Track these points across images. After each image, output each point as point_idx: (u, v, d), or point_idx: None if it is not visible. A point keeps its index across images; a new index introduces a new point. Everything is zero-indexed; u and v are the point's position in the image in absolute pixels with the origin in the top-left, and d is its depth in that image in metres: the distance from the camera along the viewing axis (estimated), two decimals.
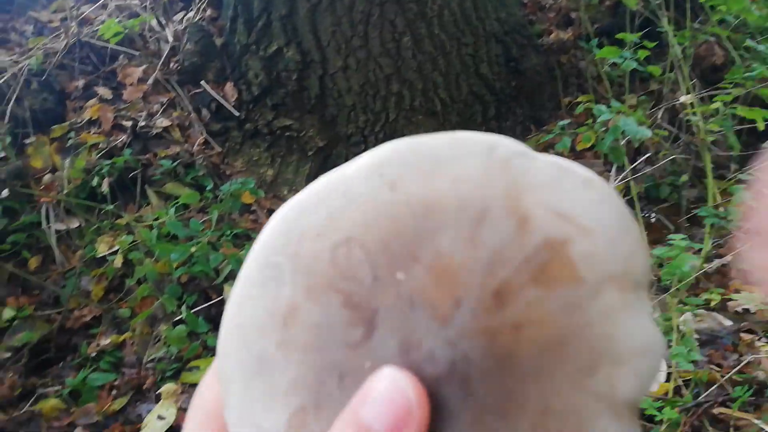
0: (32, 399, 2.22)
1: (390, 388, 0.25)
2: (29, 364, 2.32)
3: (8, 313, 2.39)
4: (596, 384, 0.25)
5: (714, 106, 1.88)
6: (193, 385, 2.12)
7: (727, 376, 1.29)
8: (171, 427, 1.95)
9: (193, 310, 2.27)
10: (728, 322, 1.65)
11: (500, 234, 0.27)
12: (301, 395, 0.28)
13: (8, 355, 2.28)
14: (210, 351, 2.23)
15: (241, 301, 0.30)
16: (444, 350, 0.26)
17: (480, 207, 0.28)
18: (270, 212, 2.88)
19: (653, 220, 2.61)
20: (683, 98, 2.25)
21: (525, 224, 0.27)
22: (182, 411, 2.01)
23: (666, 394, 1.34)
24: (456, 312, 0.26)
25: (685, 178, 2.22)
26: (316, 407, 0.28)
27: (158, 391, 2.09)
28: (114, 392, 2.15)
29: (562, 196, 0.27)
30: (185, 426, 0.36)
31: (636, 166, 2.51)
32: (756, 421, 1.12)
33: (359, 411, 0.26)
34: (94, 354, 2.28)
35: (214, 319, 2.33)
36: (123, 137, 2.71)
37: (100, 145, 2.67)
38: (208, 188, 2.66)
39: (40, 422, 2.12)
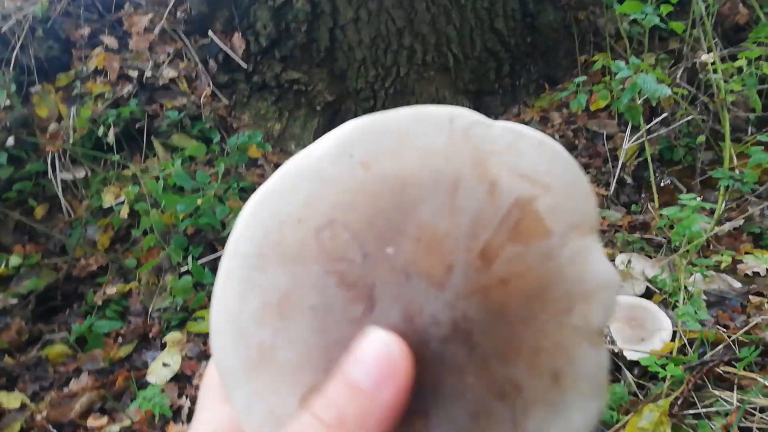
0: (39, 344, 2.24)
1: (376, 347, 0.27)
2: (36, 310, 2.34)
3: (15, 260, 2.40)
4: (574, 319, 0.29)
5: (738, 63, 1.81)
6: (199, 335, 2.14)
7: (734, 337, 1.28)
8: (176, 374, 1.97)
9: (199, 262, 2.28)
10: (737, 284, 1.62)
11: (475, 200, 0.29)
12: (309, 375, 0.29)
13: (15, 301, 2.30)
14: None
15: (228, 296, 0.30)
16: (445, 312, 0.28)
17: (452, 177, 0.30)
18: (277, 166, 2.85)
19: (666, 183, 2.57)
20: (704, 57, 2.17)
21: (494, 188, 0.30)
22: (187, 359, 2.03)
23: (671, 353, 1.33)
24: (450, 276, 0.29)
25: (701, 138, 2.16)
26: None
27: (163, 340, 2.11)
28: (120, 340, 2.17)
29: (521, 158, 0.30)
30: (199, 401, 0.36)
31: (651, 127, 2.45)
32: (761, 380, 1.10)
33: (349, 370, 0.27)
34: (100, 302, 2.29)
35: None
36: (129, 87, 2.67)
37: (106, 95, 2.64)
38: (214, 141, 2.63)
39: (47, 367, 2.15)
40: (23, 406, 1.98)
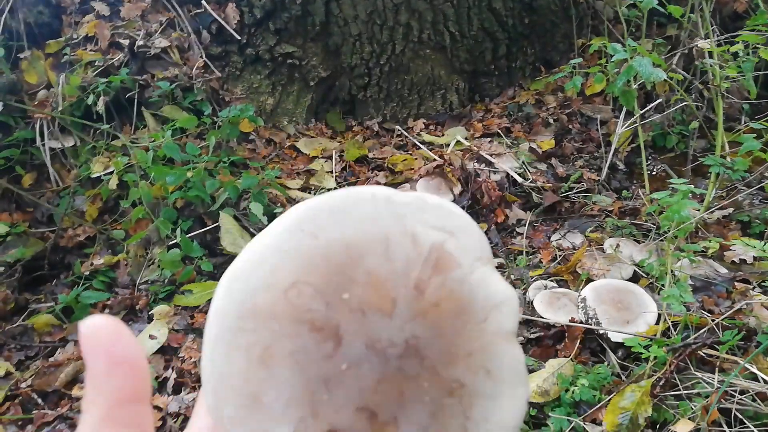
0: (25, 314, 2.23)
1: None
2: (22, 279, 2.32)
3: (1, 228, 2.37)
4: (490, 326, 0.38)
5: (735, 48, 1.80)
6: (186, 308, 2.14)
7: (717, 320, 1.29)
8: (162, 346, 1.96)
9: (188, 235, 2.26)
10: (724, 270, 1.63)
11: (403, 249, 0.38)
12: (296, 410, 0.34)
13: (1, 269, 2.28)
14: (203, 275, 2.23)
15: (216, 360, 0.36)
16: (398, 335, 0.36)
17: (383, 235, 0.38)
18: (269, 142, 2.83)
19: (658, 169, 2.57)
20: (701, 43, 2.16)
21: (415, 239, 0.38)
22: (173, 332, 2.02)
23: (655, 335, 1.34)
24: (395, 308, 0.36)
25: (695, 124, 2.16)
26: (314, 415, 0.34)
27: (151, 312, 2.10)
28: (107, 311, 2.16)
29: (429, 215, 0.39)
30: (195, 408, 0.39)
31: (645, 112, 2.45)
32: (740, 361, 1.11)
33: None
34: (87, 273, 2.28)
35: (209, 245, 2.32)
36: (120, 56, 2.63)
37: (97, 63, 2.60)
38: (206, 113, 2.60)
39: (33, 336, 2.14)
40: (8, 374, 1.97)
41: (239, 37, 2.74)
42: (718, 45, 2.23)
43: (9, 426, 1.77)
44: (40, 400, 1.85)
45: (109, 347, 0.29)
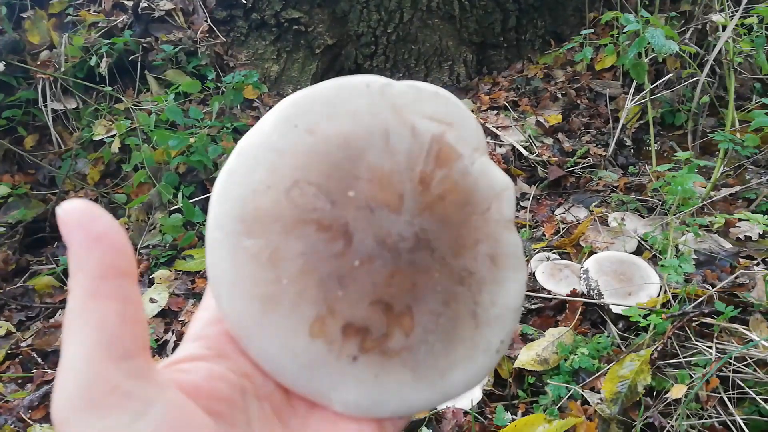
0: (26, 275, 2.24)
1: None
2: (24, 241, 2.32)
3: (3, 189, 2.37)
4: (493, 215, 0.39)
5: (749, 20, 1.76)
6: (187, 273, 2.14)
7: (715, 289, 1.27)
8: (163, 310, 1.97)
9: (190, 201, 2.25)
10: (728, 245, 1.61)
11: (404, 142, 0.37)
12: (311, 309, 0.34)
13: (2, 230, 2.28)
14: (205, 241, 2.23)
15: (222, 265, 0.35)
16: (407, 229, 0.36)
17: (382, 128, 0.37)
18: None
19: (664, 148, 2.54)
20: (715, 17, 2.12)
21: (415, 131, 0.38)
22: (174, 296, 2.02)
23: (655, 306, 1.33)
24: (403, 202, 0.36)
25: (706, 99, 2.12)
26: (330, 311, 0.34)
27: (151, 276, 2.10)
28: None
29: (426, 105, 0.39)
30: (188, 332, 0.37)
31: (655, 88, 2.41)
32: (740, 328, 1.10)
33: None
34: None
35: None
36: (123, 17, 2.59)
37: (100, 24, 2.56)
38: (209, 78, 2.57)
39: (34, 297, 2.15)
40: (8, 334, 1.98)
41: (245, 1, 2.70)
42: (732, 19, 2.18)
43: (9, 384, 1.78)
44: (40, 360, 1.86)
45: (86, 224, 0.28)
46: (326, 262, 0.35)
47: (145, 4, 2.58)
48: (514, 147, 2.40)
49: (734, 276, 1.37)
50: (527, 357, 1.32)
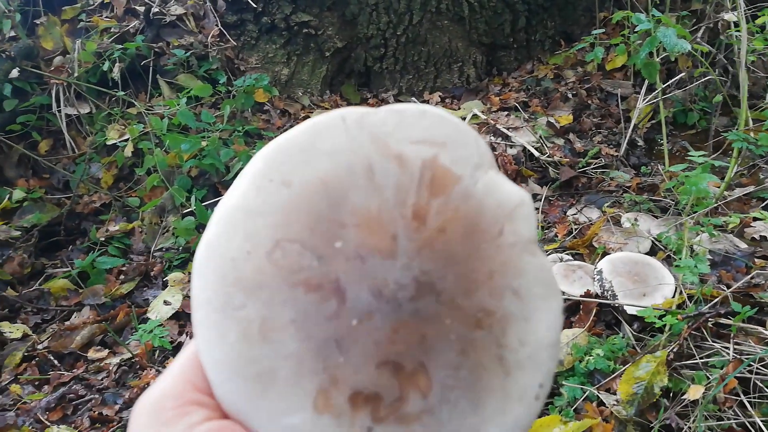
0: (42, 278, 2.26)
1: None
2: (39, 244, 2.35)
3: (18, 194, 2.39)
4: (507, 239, 0.34)
5: (761, 20, 1.75)
6: None
7: (730, 289, 1.26)
8: (177, 312, 1.98)
9: (202, 204, 2.26)
10: (743, 246, 1.60)
11: (391, 175, 0.33)
12: (311, 381, 0.31)
13: (18, 234, 2.30)
14: None
15: (211, 344, 0.32)
16: (405, 275, 0.32)
17: (364, 164, 0.34)
18: (283, 112, 2.82)
19: (676, 148, 2.52)
20: (728, 15, 2.11)
21: (402, 159, 0.34)
22: (188, 299, 2.04)
23: (670, 308, 1.33)
24: (397, 244, 0.32)
25: (718, 98, 2.11)
26: (333, 381, 0.31)
27: (165, 279, 2.12)
28: (122, 277, 2.18)
29: (412, 129, 0.35)
30: (156, 384, 0.34)
31: (667, 87, 2.40)
32: (759, 328, 1.10)
33: None
34: (102, 239, 2.29)
35: None
36: (135, 23, 2.62)
37: (112, 29, 2.59)
38: (221, 82, 2.59)
39: (49, 300, 2.17)
40: (25, 336, 2.00)
41: (255, 5, 2.72)
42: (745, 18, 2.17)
43: (26, 386, 1.80)
44: (56, 362, 1.88)
45: None
46: (321, 327, 0.31)
47: (157, 9, 2.60)
48: (525, 148, 2.39)
49: (750, 276, 1.36)
50: None
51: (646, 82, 2.33)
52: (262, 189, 0.34)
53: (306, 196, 0.33)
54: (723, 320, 1.20)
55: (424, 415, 0.32)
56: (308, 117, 2.78)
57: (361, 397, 0.31)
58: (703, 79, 2.31)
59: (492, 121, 2.51)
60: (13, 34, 2.55)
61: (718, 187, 1.92)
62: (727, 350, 1.11)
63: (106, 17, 2.65)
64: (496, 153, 2.33)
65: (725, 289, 1.39)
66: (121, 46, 2.49)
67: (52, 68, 2.52)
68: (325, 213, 0.33)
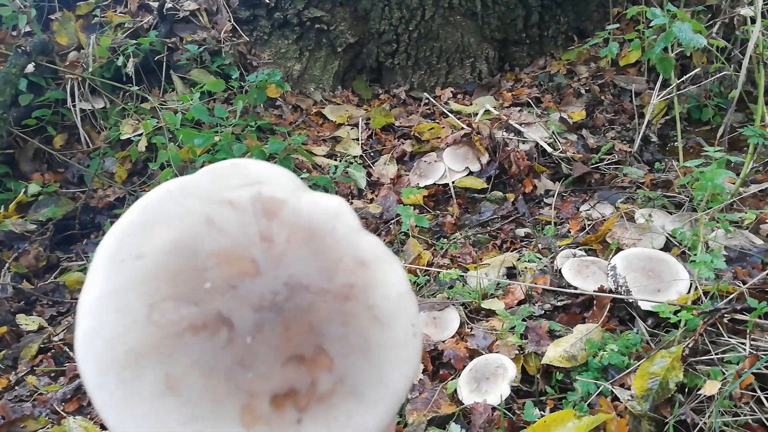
0: (57, 271, 2.29)
1: None
2: (54, 238, 2.37)
3: (34, 188, 2.42)
4: (340, 230, 0.42)
5: None
6: None
7: (746, 285, 1.26)
8: None
9: None
10: (759, 242, 1.59)
11: (229, 217, 0.39)
12: (232, 402, 0.34)
13: (33, 227, 2.33)
14: None
15: (121, 417, 0.34)
16: (275, 283, 0.37)
17: (202, 218, 0.38)
18: (295, 108, 2.83)
19: (690, 144, 2.51)
20: (744, 10, 2.09)
21: (233, 203, 0.40)
22: None
23: (686, 303, 1.32)
24: (257, 264, 0.38)
25: (734, 93, 2.09)
26: (252, 395, 0.34)
27: None
28: None
29: (228, 180, 0.41)
30: None
31: (681, 83, 2.38)
32: None
33: None
34: None
35: None
36: (149, 18, 2.63)
37: (126, 25, 2.60)
38: (233, 77, 2.60)
39: (64, 293, 2.19)
40: (41, 329, 2.03)
41: (267, 1, 2.72)
42: (762, 14, 2.14)
43: (42, 377, 1.82)
44: (72, 354, 1.90)
45: None
46: (221, 356, 0.35)
47: (170, 5, 2.62)
48: (537, 144, 2.39)
49: (766, 273, 1.35)
50: (555, 353, 1.32)
51: (660, 77, 2.32)
52: (117, 270, 0.37)
53: (162, 260, 0.37)
54: (739, 316, 1.19)
55: (336, 385, 0.36)
56: (320, 112, 2.79)
57: (280, 398, 0.35)
58: (717, 75, 2.28)
59: (504, 117, 2.51)
60: (28, 29, 2.57)
61: (733, 183, 1.91)
62: (743, 346, 1.11)
63: (120, 13, 2.67)
64: (509, 149, 2.33)
65: (741, 285, 1.38)
66: (134, 42, 2.50)
67: (67, 63, 2.54)
68: (185, 266, 0.37)
